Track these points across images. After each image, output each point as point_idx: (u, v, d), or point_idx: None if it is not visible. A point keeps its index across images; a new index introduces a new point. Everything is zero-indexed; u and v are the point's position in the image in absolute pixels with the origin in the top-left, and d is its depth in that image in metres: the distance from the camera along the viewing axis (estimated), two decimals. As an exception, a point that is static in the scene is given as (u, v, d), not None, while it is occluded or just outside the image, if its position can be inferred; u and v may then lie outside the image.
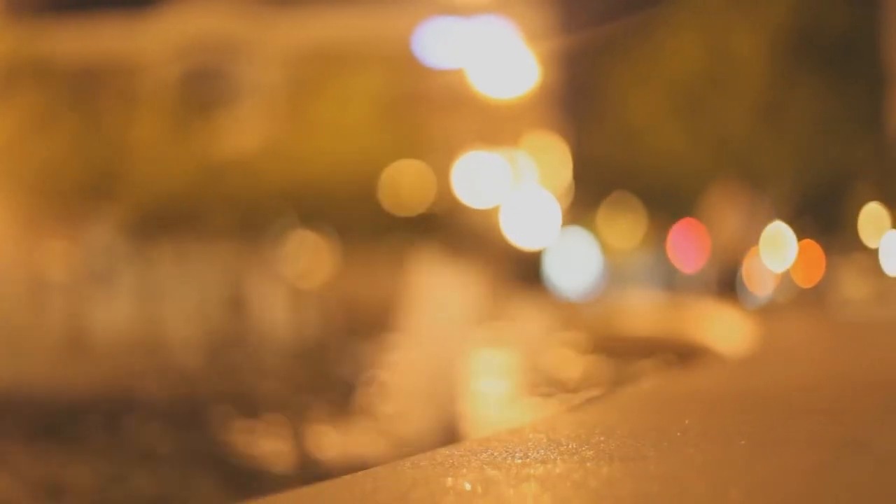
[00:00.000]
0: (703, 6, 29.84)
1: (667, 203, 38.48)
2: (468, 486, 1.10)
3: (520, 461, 1.26)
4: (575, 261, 56.03)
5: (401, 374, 3.35)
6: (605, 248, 50.37)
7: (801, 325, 5.11)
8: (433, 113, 37.71)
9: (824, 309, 14.81)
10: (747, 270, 10.67)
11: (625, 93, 32.62)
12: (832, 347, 3.08)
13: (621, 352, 7.82)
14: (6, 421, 4.59)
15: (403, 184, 32.52)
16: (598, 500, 1.03)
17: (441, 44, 41.49)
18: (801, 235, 27.26)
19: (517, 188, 42.25)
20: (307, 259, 32.00)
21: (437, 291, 3.32)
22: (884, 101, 32.99)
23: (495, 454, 1.32)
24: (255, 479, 2.96)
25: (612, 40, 33.07)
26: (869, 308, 15.54)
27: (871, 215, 33.07)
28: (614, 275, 53.97)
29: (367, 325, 14.56)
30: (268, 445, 3.48)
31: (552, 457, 1.29)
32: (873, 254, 33.18)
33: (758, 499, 0.99)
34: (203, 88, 44.07)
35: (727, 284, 10.29)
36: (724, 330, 4.75)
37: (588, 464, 1.22)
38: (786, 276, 26.33)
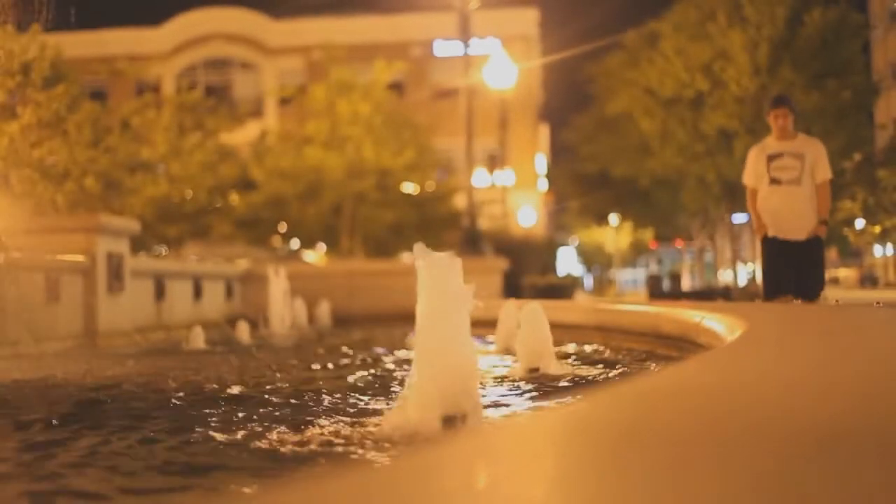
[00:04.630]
0: (692, 13, 29.81)
1: (661, 204, 38.63)
2: (467, 481, 1.14)
3: (518, 455, 1.30)
4: (574, 255, 56.00)
5: (403, 366, 3.39)
6: (604, 245, 50.33)
7: (791, 312, 5.13)
8: (435, 112, 37.90)
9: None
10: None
11: (624, 97, 32.70)
12: (820, 335, 3.11)
13: (619, 345, 7.84)
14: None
15: (409, 175, 32.72)
16: (594, 494, 1.06)
17: (442, 42, 41.53)
18: None
19: (517, 186, 42.25)
20: (319, 249, 32.09)
21: (441, 282, 3.34)
22: (871, 115, 33.02)
23: (494, 448, 1.35)
24: (259, 473, 3.00)
25: (608, 44, 33.15)
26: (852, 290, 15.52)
27: (856, 229, 33.19)
28: (614, 271, 53.96)
29: (371, 315, 14.61)
30: (272, 438, 3.51)
31: (550, 451, 1.33)
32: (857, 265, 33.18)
33: (751, 494, 1.03)
34: (217, 85, 44.30)
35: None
36: (717, 322, 4.78)
37: (584, 458, 1.26)
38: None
